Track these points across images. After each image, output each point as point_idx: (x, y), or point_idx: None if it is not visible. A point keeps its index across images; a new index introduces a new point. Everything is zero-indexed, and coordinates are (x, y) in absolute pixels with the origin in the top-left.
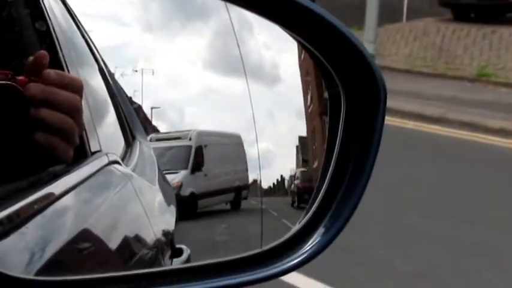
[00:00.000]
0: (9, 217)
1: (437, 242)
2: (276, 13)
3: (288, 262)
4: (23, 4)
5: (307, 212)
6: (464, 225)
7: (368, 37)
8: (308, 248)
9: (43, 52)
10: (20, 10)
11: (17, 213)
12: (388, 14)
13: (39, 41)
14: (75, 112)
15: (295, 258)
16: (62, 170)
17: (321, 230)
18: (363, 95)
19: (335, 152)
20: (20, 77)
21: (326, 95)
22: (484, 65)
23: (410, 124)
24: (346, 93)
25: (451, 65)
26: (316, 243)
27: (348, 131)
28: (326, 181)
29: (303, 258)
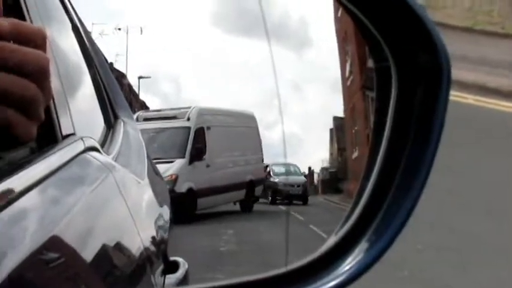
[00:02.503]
0: None
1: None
2: None
3: (320, 286)
4: None
5: (347, 220)
6: None
7: None
8: (346, 268)
9: None
10: None
11: None
12: None
13: None
14: (39, 74)
15: (329, 281)
16: (24, 159)
17: (363, 244)
18: (419, 69)
19: (383, 142)
20: None
21: (371, 64)
22: None
23: (470, 99)
24: (397, 67)
25: None
26: (356, 262)
27: (401, 113)
28: (371, 180)
29: (339, 281)
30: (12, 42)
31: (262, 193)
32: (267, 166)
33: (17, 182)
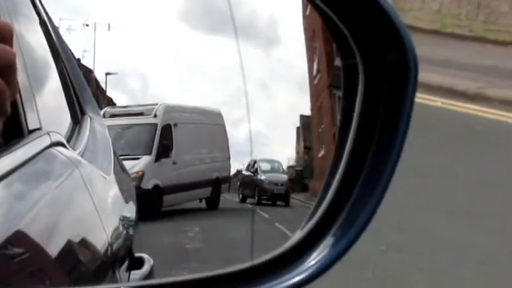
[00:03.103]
0: None
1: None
2: None
3: (286, 280)
4: None
5: (312, 216)
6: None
7: None
8: (312, 262)
9: None
10: None
11: None
12: None
13: None
14: (5, 69)
15: (295, 276)
16: None
17: (329, 239)
18: (386, 67)
19: (349, 139)
20: None
21: (338, 63)
22: None
23: (438, 101)
24: (364, 64)
25: (492, 25)
26: (322, 257)
27: (367, 111)
28: (337, 176)
29: (306, 276)
30: None
31: (229, 189)
32: (254, 162)
33: None
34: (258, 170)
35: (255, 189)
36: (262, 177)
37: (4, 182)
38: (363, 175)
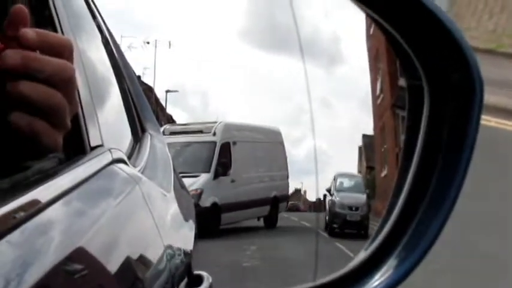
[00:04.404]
0: None
1: None
2: None
3: None
4: None
5: (376, 236)
6: None
7: (441, 4)
8: (375, 284)
9: (19, 7)
10: None
11: None
12: None
13: (28, 0)
14: (64, 83)
15: None
16: (52, 169)
17: (392, 261)
18: (451, 88)
19: (414, 160)
20: None
21: (402, 82)
22: None
23: (492, 122)
24: (430, 85)
25: None
26: (385, 278)
27: (432, 133)
28: (401, 197)
29: None
30: (38, 52)
31: (287, 208)
32: (335, 178)
33: (44, 192)
34: (332, 188)
35: (329, 214)
36: (336, 198)
37: (66, 198)
38: (428, 197)
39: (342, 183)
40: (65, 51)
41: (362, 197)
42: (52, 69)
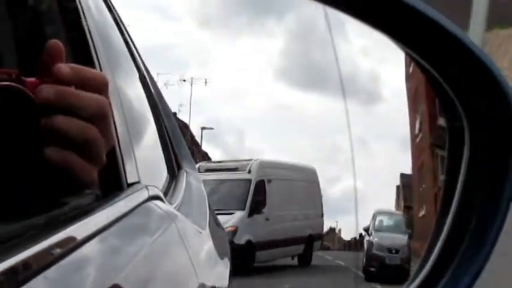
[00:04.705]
0: (14, 268)
1: None
2: (378, 18)
3: None
4: None
5: (415, 277)
6: None
7: None
8: None
9: (54, 42)
10: None
11: (25, 262)
12: (499, 16)
13: (68, 37)
14: (98, 118)
15: None
16: (89, 205)
17: None
18: (492, 130)
19: (454, 202)
20: (30, 79)
21: (441, 122)
22: None
23: None
24: (471, 127)
25: None
26: None
27: (472, 174)
28: (441, 239)
29: None
30: (73, 87)
31: (321, 246)
32: (374, 216)
33: (81, 228)
34: (371, 227)
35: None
36: (374, 238)
37: (102, 235)
38: (467, 239)
39: (381, 221)
40: (99, 86)
41: (403, 238)
42: (86, 103)
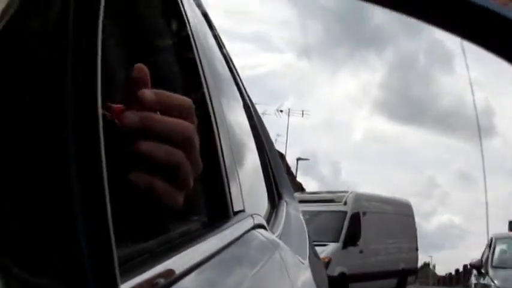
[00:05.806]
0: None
1: None
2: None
3: None
4: (159, 11)
5: None
6: None
7: None
8: None
9: (139, 66)
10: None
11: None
12: None
13: (180, 68)
14: (183, 143)
15: None
16: (197, 232)
17: None
18: None
19: None
20: (117, 105)
21: None
22: None
23: None
24: None
25: None
26: None
27: None
28: None
29: None
30: (158, 112)
31: (415, 281)
32: (491, 243)
33: (188, 256)
34: (489, 259)
35: None
36: (494, 281)
37: (211, 262)
38: None
39: (503, 252)
40: (184, 111)
41: None
42: (170, 129)
